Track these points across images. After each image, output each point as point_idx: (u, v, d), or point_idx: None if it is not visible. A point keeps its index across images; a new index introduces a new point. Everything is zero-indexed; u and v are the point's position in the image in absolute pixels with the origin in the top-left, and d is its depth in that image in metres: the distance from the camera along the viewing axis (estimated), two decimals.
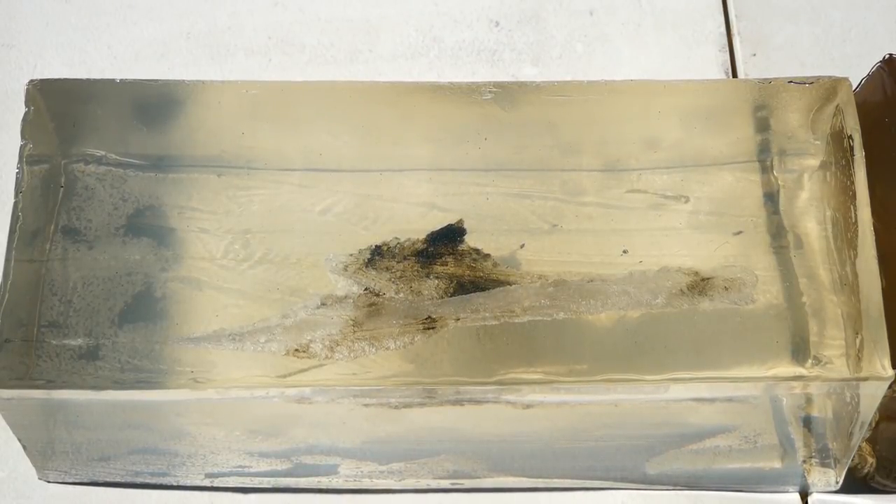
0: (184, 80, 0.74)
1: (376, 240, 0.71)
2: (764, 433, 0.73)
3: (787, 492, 0.76)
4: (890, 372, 0.67)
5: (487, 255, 0.70)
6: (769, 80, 0.74)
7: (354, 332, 0.68)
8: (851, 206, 0.70)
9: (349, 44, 0.92)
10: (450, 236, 0.71)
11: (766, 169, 0.73)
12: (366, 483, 0.75)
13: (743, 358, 0.68)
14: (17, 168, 0.71)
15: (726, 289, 0.69)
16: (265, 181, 0.73)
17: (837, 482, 0.75)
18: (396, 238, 0.71)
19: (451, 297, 0.69)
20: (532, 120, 0.74)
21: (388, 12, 0.93)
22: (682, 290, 0.69)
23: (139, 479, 0.75)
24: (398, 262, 0.70)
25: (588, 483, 0.76)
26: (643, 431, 0.72)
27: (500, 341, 0.68)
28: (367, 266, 0.70)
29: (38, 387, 0.67)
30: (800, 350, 0.68)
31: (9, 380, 0.67)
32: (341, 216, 0.72)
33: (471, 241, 0.71)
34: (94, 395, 0.67)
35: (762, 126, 0.74)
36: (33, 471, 0.75)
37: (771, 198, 0.72)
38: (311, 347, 0.68)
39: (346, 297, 0.69)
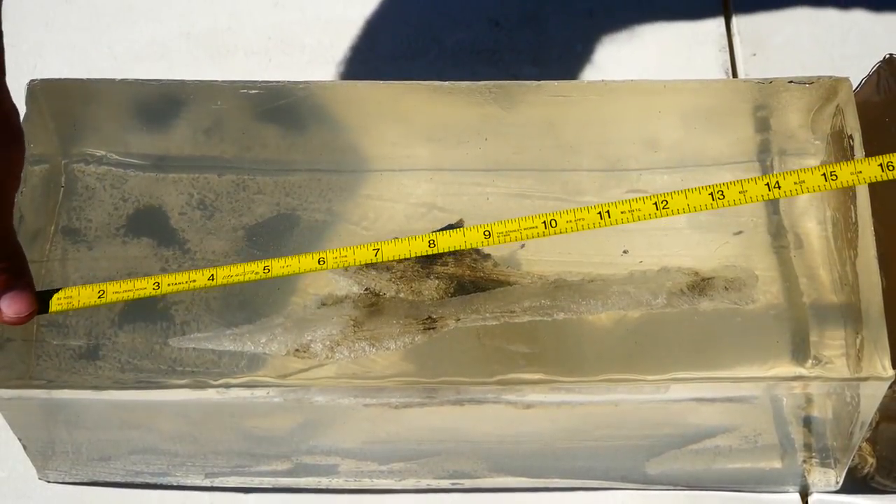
0: (184, 80, 0.74)
1: (376, 240, 0.71)
2: (764, 433, 0.73)
3: (787, 492, 0.76)
4: (890, 372, 0.67)
5: (487, 255, 0.70)
6: (769, 80, 0.74)
7: (355, 332, 0.68)
8: (851, 206, 0.70)
9: (349, 44, 0.92)
10: None
11: (766, 169, 0.73)
12: (366, 483, 0.75)
13: (743, 358, 0.68)
14: None
15: (726, 289, 0.69)
16: (266, 181, 0.73)
17: (837, 482, 0.75)
18: (397, 238, 0.71)
19: (451, 297, 0.69)
20: (532, 120, 0.74)
21: (388, 12, 0.93)
22: (682, 289, 0.69)
23: (139, 479, 0.75)
24: (398, 262, 0.70)
25: (588, 483, 0.76)
26: (643, 431, 0.72)
27: (500, 341, 0.68)
28: (367, 266, 0.70)
29: (38, 387, 0.67)
30: (800, 350, 0.68)
31: (9, 380, 0.67)
32: (341, 216, 0.72)
33: None
34: (94, 395, 0.67)
35: (762, 126, 0.74)
36: (33, 471, 0.75)
37: None
38: (311, 347, 0.67)
39: (346, 297, 0.69)
